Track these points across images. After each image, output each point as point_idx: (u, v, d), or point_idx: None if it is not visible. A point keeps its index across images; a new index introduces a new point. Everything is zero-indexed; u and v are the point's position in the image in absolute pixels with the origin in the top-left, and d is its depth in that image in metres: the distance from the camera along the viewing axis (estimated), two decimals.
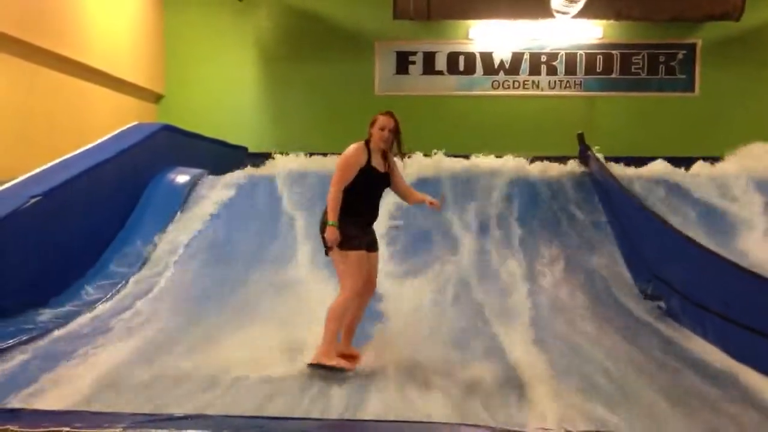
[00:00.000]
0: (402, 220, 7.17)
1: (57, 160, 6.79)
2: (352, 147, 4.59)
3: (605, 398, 4.00)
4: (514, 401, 3.96)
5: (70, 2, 9.74)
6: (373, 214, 4.71)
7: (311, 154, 8.75)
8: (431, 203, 4.74)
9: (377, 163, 4.61)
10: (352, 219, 4.53)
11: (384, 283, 5.85)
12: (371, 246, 4.67)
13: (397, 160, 4.80)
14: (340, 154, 4.67)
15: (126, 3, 11.69)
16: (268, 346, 4.73)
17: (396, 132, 4.59)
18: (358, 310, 4.69)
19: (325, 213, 4.55)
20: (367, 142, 4.60)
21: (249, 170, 8.50)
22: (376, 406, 3.88)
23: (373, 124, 4.58)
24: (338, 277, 4.66)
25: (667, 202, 7.44)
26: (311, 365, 4.38)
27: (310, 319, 5.09)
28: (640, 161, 8.49)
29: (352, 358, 4.55)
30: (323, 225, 4.55)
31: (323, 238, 4.54)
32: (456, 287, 6.27)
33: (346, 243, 4.48)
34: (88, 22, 10.20)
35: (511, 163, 8.36)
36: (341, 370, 4.36)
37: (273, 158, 8.75)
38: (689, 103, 13.16)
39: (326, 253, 4.63)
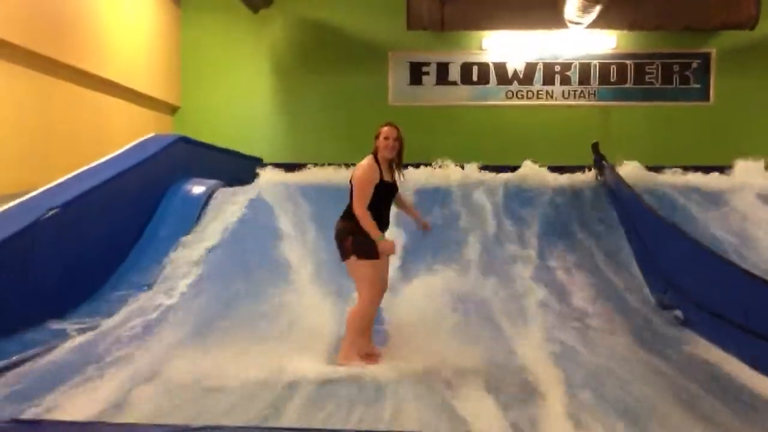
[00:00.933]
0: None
1: (75, 172, 6.86)
2: (366, 166, 4.83)
3: (620, 408, 3.98)
4: (528, 409, 3.95)
5: (88, 17, 9.86)
6: (387, 223, 4.99)
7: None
8: (424, 226, 5.28)
9: (387, 175, 4.89)
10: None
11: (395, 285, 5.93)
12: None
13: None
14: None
15: (143, 16, 11.82)
16: (282, 358, 4.76)
17: (399, 140, 4.87)
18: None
19: (339, 222, 4.90)
20: (375, 155, 4.86)
21: (264, 180, 8.52)
22: (393, 413, 3.90)
23: (377, 136, 4.87)
24: (356, 285, 4.92)
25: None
26: (339, 363, 4.66)
27: (321, 328, 5.33)
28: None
29: (373, 357, 4.78)
30: (339, 235, 4.85)
31: (340, 247, 4.85)
32: (468, 294, 6.26)
33: (367, 253, 4.74)
34: (105, 36, 10.32)
35: (528, 171, 8.41)
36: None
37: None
38: (704, 113, 13.11)
39: (342, 260, 4.89)
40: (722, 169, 8.56)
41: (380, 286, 4.87)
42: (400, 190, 5.08)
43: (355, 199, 4.75)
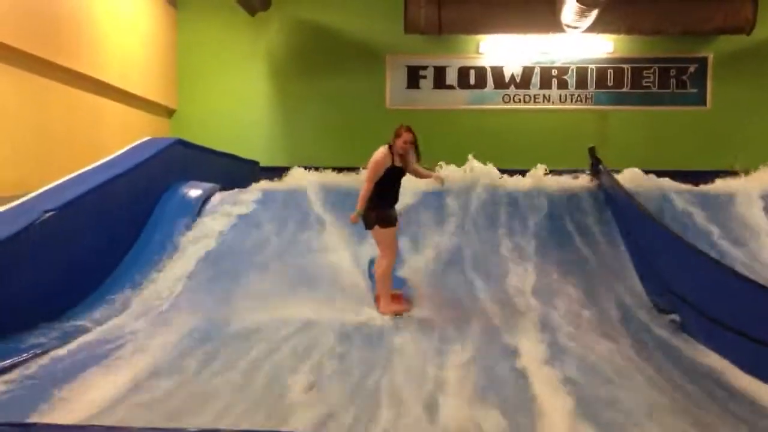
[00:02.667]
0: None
1: (71, 175, 6.85)
2: (381, 152, 6.10)
3: (615, 411, 3.97)
4: (525, 417, 3.94)
5: (85, 19, 9.85)
6: (397, 198, 6.34)
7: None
8: (437, 178, 6.67)
9: (397, 161, 6.18)
10: (386, 203, 6.16)
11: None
12: (397, 221, 6.29)
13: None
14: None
15: (139, 18, 11.81)
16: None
17: (414, 144, 6.17)
18: None
19: (367, 205, 6.05)
20: (390, 147, 6.11)
21: (262, 185, 8.52)
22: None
23: (399, 136, 6.10)
24: (378, 247, 6.22)
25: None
26: (382, 313, 5.92)
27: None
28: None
29: (398, 297, 6.22)
30: (364, 210, 6.06)
31: (365, 219, 6.12)
32: (465, 302, 6.28)
33: (387, 222, 6.13)
34: (101, 38, 10.31)
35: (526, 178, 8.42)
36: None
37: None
38: (701, 117, 13.14)
39: (367, 228, 6.19)
40: (719, 174, 8.54)
41: (396, 248, 6.29)
42: (415, 164, 6.35)
43: (366, 176, 6.08)
